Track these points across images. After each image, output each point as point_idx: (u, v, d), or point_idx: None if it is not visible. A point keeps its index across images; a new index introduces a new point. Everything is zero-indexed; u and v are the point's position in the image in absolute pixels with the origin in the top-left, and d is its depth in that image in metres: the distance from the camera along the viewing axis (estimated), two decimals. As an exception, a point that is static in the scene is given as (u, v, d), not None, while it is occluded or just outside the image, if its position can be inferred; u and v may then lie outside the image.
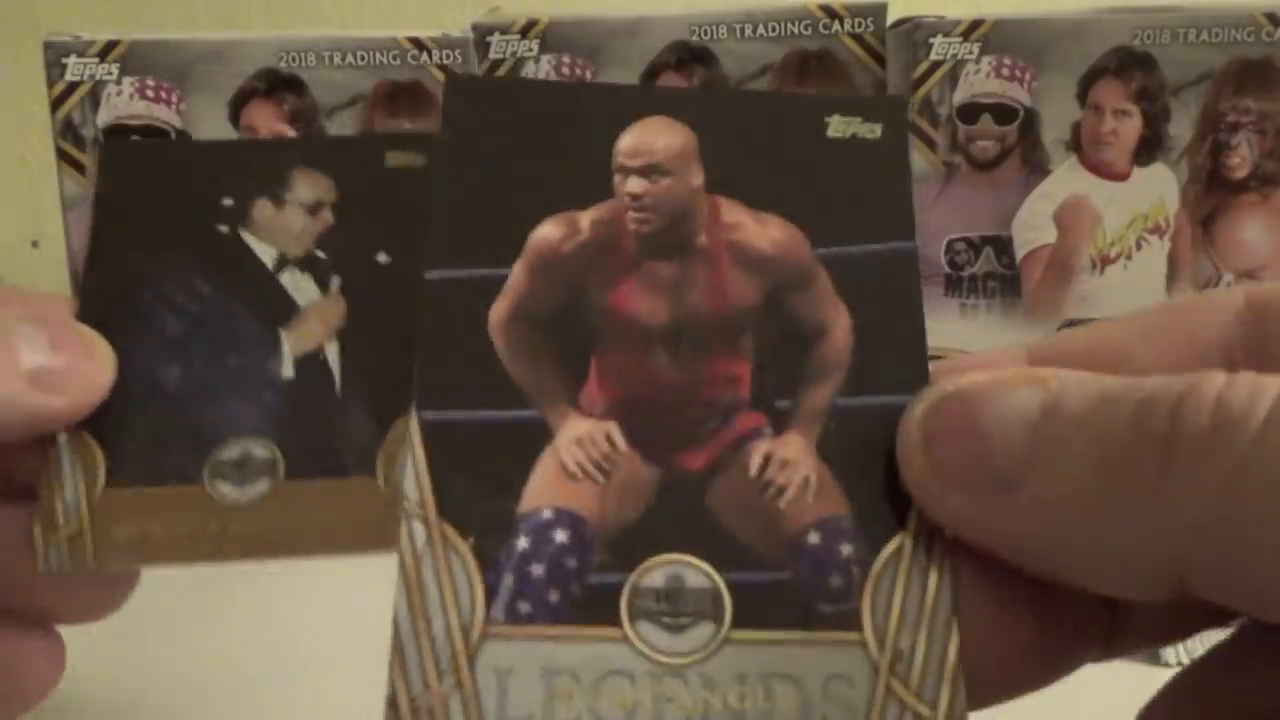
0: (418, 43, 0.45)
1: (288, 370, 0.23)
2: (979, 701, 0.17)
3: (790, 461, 0.19)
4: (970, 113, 0.45)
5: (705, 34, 0.46)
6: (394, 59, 0.45)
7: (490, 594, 0.18)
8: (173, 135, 0.45)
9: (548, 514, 0.18)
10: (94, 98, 0.45)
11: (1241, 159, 0.46)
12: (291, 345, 0.23)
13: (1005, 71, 0.45)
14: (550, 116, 0.21)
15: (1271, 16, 0.45)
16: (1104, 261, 0.46)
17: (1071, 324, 0.46)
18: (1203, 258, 0.46)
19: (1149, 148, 0.46)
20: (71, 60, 0.44)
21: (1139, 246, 0.46)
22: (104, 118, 0.45)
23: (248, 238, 0.24)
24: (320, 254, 0.24)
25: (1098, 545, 0.15)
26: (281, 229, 0.24)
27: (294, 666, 0.32)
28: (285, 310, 0.23)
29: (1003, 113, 0.45)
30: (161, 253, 0.24)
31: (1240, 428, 0.14)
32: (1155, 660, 0.34)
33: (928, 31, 0.45)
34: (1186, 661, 0.19)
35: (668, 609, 0.18)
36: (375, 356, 0.23)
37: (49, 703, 0.24)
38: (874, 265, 0.20)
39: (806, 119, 0.21)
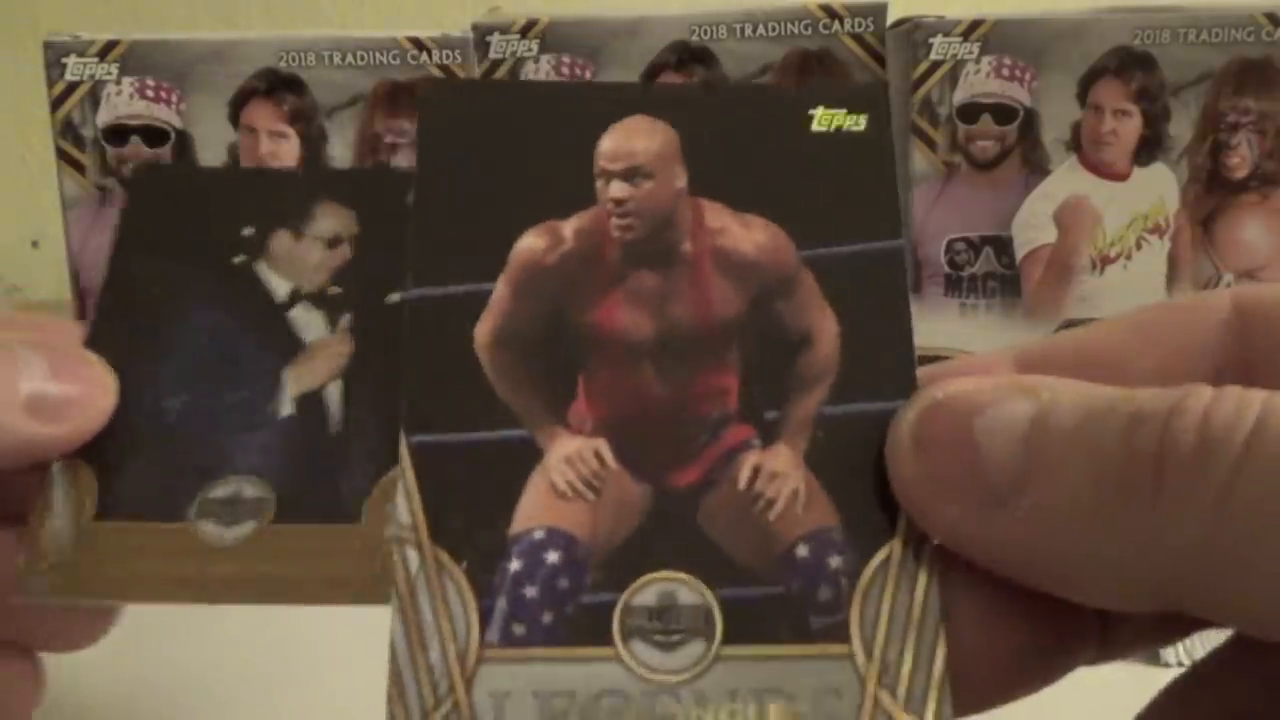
0: (418, 43, 0.45)
1: (287, 409, 0.22)
2: (969, 708, 0.17)
3: (779, 474, 0.19)
4: (970, 113, 0.45)
5: (705, 34, 0.46)
6: (394, 59, 0.45)
7: (485, 618, 0.18)
8: (173, 135, 0.45)
9: (539, 535, 0.18)
10: (94, 98, 0.45)
11: (1241, 159, 0.46)
12: (293, 383, 0.22)
13: (1005, 71, 0.45)
14: (528, 120, 0.21)
15: (1271, 16, 0.45)
16: (1104, 261, 0.46)
17: (1071, 324, 0.46)
18: (1203, 258, 0.46)
19: (1149, 148, 0.46)
20: (71, 60, 0.44)
21: (1139, 246, 0.46)
22: (104, 117, 0.45)
23: (263, 270, 0.23)
24: (334, 290, 0.23)
25: (1089, 561, 0.15)
26: (298, 261, 0.23)
27: (294, 668, 0.32)
28: (290, 347, 0.23)
29: (1003, 113, 0.45)
30: (175, 281, 0.23)
31: (1226, 446, 0.14)
32: (1155, 660, 0.34)
33: (928, 31, 0.45)
34: (1187, 662, 0.19)
35: (660, 627, 0.18)
36: (376, 400, 0.22)
37: (49, 703, 0.24)
38: (860, 266, 0.20)
39: (790, 113, 0.21)
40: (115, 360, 0.22)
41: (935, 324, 0.46)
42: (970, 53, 0.45)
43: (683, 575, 0.18)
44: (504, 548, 0.18)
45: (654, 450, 0.19)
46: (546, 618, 0.18)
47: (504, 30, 0.46)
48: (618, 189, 0.20)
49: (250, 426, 0.22)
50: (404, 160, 0.45)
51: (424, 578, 0.18)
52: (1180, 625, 0.18)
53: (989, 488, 0.16)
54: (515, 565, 0.18)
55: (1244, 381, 0.15)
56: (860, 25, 0.46)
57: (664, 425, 0.19)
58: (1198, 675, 0.19)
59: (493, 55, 0.46)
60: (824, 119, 0.21)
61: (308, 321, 0.23)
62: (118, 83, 0.45)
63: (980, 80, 0.45)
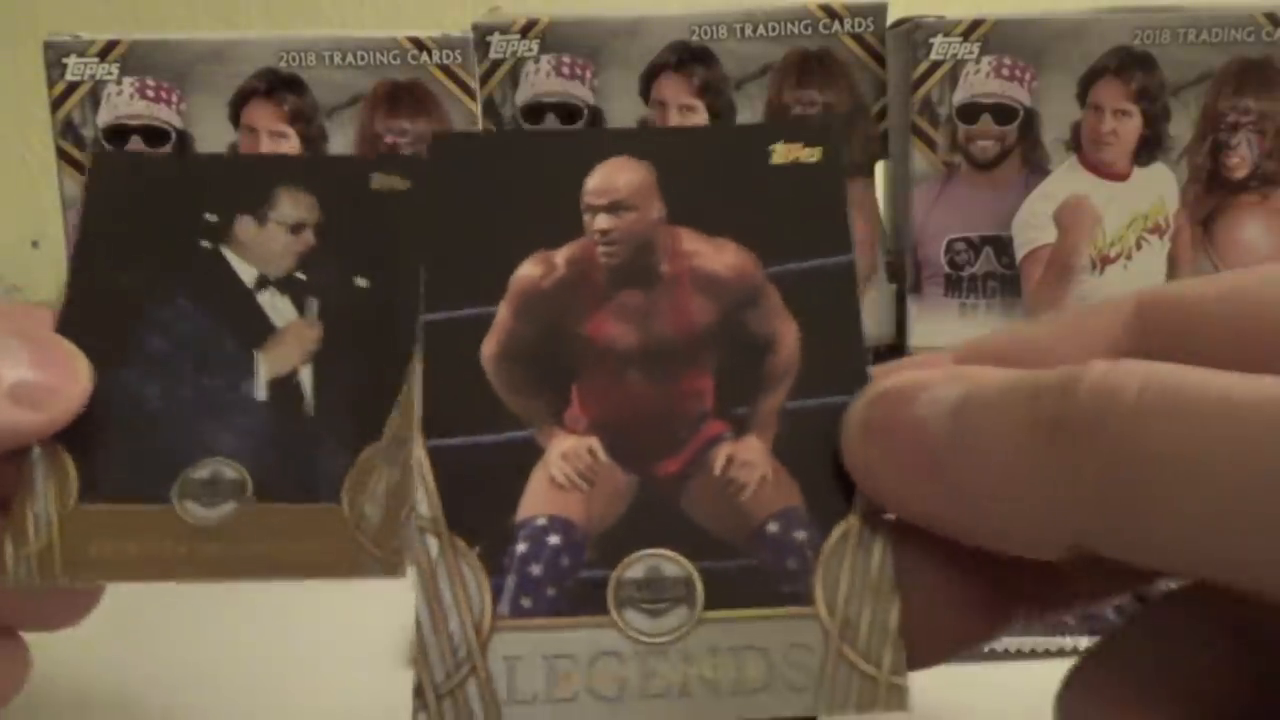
0: (418, 43, 0.45)
1: (261, 392, 0.23)
2: (926, 660, 0.20)
3: (749, 462, 0.21)
4: (970, 113, 0.45)
5: (705, 34, 0.46)
6: (394, 59, 0.45)
7: (496, 593, 0.20)
8: (173, 135, 0.45)
9: (542, 521, 0.21)
10: (94, 98, 0.45)
11: (1241, 159, 0.46)
12: (266, 367, 0.23)
13: (1005, 71, 0.45)
14: (523, 164, 0.24)
15: (1271, 16, 0.45)
16: (1104, 261, 0.46)
17: (1071, 324, 0.46)
18: (1202, 258, 0.46)
19: (1149, 148, 0.46)
20: (71, 60, 0.44)
21: (1139, 246, 0.46)
22: (104, 118, 0.45)
23: (229, 255, 0.24)
24: (300, 275, 0.24)
25: (1011, 514, 0.17)
26: (263, 248, 0.24)
27: (293, 668, 0.32)
28: (262, 331, 0.23)
29: (1003, 113, 0.45)
30: (144, 267, 0.24)
31: (1115, 404, 0.16)
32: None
33: (928, 31, 0.45)
34: None
35: (648, 596, 0.20)
36: (348, 382, 0.23)
37: (47, 703, 0.24)
38: (817, 279, 0.23)
39: (753, 148, 0.24)
40: (87, 346, 0.22)
41: (935, 324, 0.46)
42: (970, 53, 0.45)
43: (667, 551, 0.21)
44: (511, 533, 0.21)
45: (640, 445, 0.22)
46: (550, 591, 0.20)
47: (504, 30, 0.46)
48: (603, 221, 0.23)
49: (226, 410, 0.23)
50: (404, 160, 0.46)
51: (443, 561, 0.20)
52: (1113, 579, 0.20)
53: (925, 459, 0.18)
54: (522, 547, 0.21)
55: None
56: (860, 25, 0.46)
57: (649, 423, 0.22)
58: (1126, 635, 0.20)
59: (493, 55, 0.46)
60: (782, 153, 0.24)
61: (276, 306, 0.24)
62: (118, 83, 0.45)
63: (980, 80, 0.45)
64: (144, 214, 0.24)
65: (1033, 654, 0.31)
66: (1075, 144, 0.46)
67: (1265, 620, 0.18)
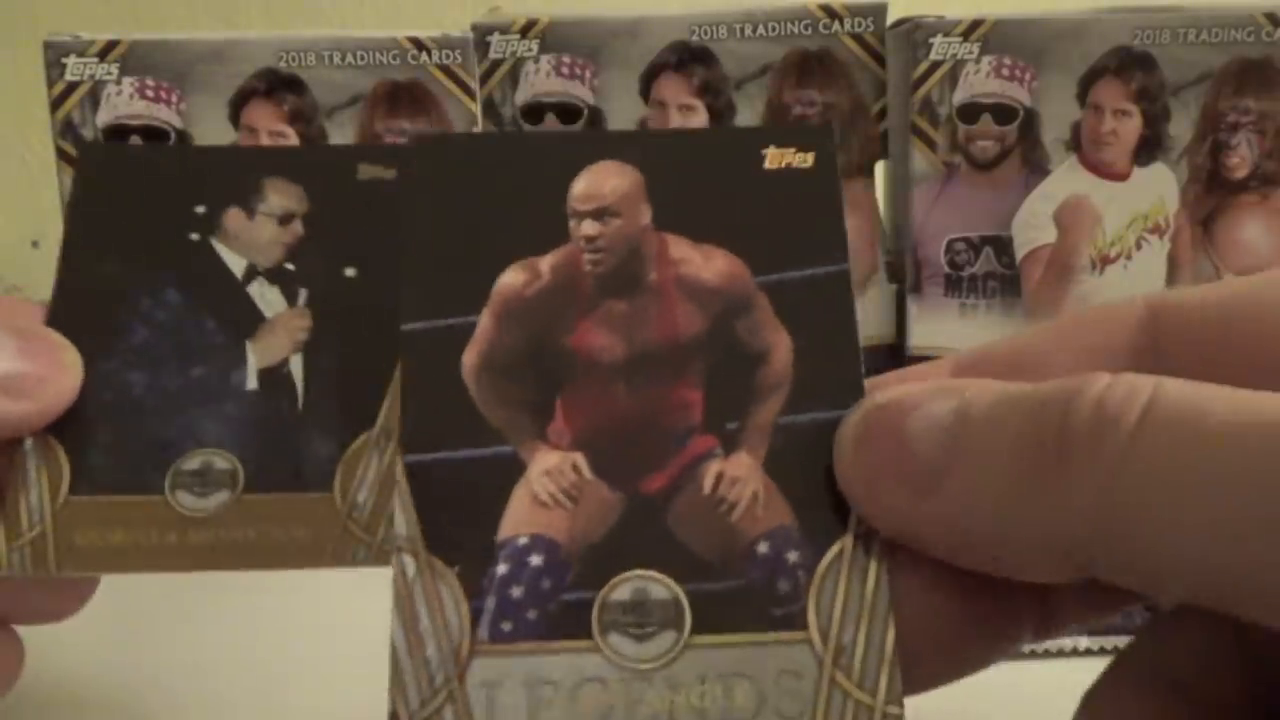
0: (418, 43, 0.45)
1: (251, 382, 0.23)
2: (920, 685, 0.19)
3: (739, 479, 0.20)
4: (970, 113, 0.45)
5: (705, 34, 0.46)
6: (394, 59, 0.45)
7: (476, 616, 0.19)
8: (173, 135, 0.45)
9: (524, 540, 0.20)
10: (94, 98, 0.45)
11: (1241, 159, 0.46)
12: (256, 357, 0.23)
13: (1005, 71, 0.45)
14: (507, 167, 0.23)
15: (1271, 16, 0.45)
16: (1104, 261, 0.46)
17: (1071, 324, 0.46)
18: (1202, 258, 0.46)
19: (1149, 148, 0.46)
20: (71, 60, 0.44)
21: (1139, 246, 0.46)
22: (104, 118, 0.45)
23: (218, 246, 0.24)
24: (289, 266, 0.24)
25: (1008, 536, 0.17)
26: (252, 239, 0.24)
27: (292, 669, 0.32)
28: (252, 321, 0.23)
29: (1003, 113, 0.45)
30: (133, 258, 0.24)
31: (1117, 425, 0.15)
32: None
33: (928, 31, 0.45)
34: None
35: (634, 620, 0.19)
36: (338, 372, 0.23)
37: (48, 704, 0.24)
38: (810, 288, 0.22)
39: (744, 153, 0.23)
40: (76, 338, 0.23)
41: (935, 324, 0.46)
42: (970, 53, 0.45)
43: (654, 573, 0.20)
44: (492, 553, 0.20)
45: (626, 461, 0.21)
46: (531, 615, 0.19)
47: (504, 30, 0.46)
48: (589, 227, 0.22)
49: (216, 400, 0.23)
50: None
51: (420, 582, 0.20)
52: (1110, 599, 0.20)
53: (919, 477, 0.18)
54: (502, 568, 0.20)
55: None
56: (860, 25, 0.46)
57: (635, 438, 0.21)
58: (1133, 651, 0.20)
59: (493, 55, 0.46)
60: (774, 158, 0.23)
61: (266, 297, 0.24)
62: (118, 83, 0.45)
63: (980, 80, 0.45)
64: (133, 206, 0.24)
65: (1032, 654, 0.31)
66: (1075, 144, 0.46)
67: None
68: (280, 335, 0.23)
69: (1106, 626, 0.31)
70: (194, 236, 0.24)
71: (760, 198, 0.23)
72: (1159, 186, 0.46)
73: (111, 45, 0.44)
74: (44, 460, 0.22)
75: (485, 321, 0.22)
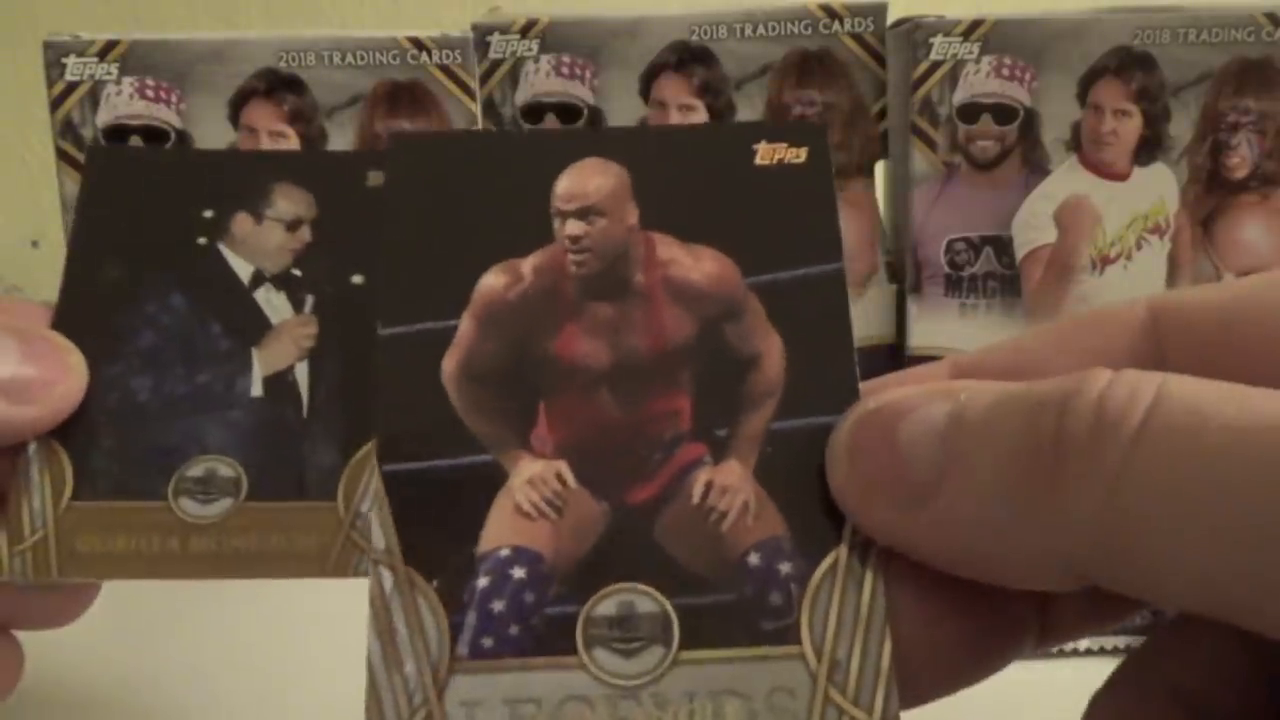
0: (418, 43, 0.45)
1: (256, 389, 0.23)
2: (916, 699, 0.18)
3: (729, 488, 0.20)
4: (970, 113, 0.45)
5: (705, 34, 0.46)
6: (394, 59, 0.45)
7: (455, 632, 0.19)
8: (173, 135, 0.45)
9: (505, 553, 0.19)
10: (93, 98, 0.45)
11: (1241, 159, 0.46)
12: (262, 364, 0.23)
13: (1005, 71, 0.45)
14: (488, 166, 0.22)
15: (1271, 16, 0.45)
16: (1104, 261, 0.46)
17: (1071, 324, 0.46)
18: (1203, 258, 0.46)
19: (1149, 148, 0.46)
20: (71, 60, 0.44)
21: (1139, 246, 0.46)
22: (104, 117, 0.45)
23: (225, 252, 0.24)
24: (296, 272, 0.24)
25: (1004, 543, 0.16)
26: (259, 244, 0.24)
27: (291, 671, 0.32)
28: (258, 327, 0.23)
29: (1003, 113, 0.45)
30: (139, 262, 0.24)
31: (1118, 430, 0.14)
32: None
33: (928, 31, 0.45)
34: None
35: (620, 635, 0.19)
36: (343, 379, 0.23)
37: (48, 705, 0.24)
38: (803, 289, 0.21)
39: (734, 149, 0.22)
40: (82, 342, 0.22)
41: (935, 324, 0.46)
42: (970, 53, 0.45)
43: (641, 586, 0.19)
44: (472, 566, 0.19)
45: (612, 470, 0.20)
46: (513, 630, 0.19)
47: (504, 30, 0.46)
48: (573, 227, 0.22)
49: (221, 406, 0.22)
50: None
51: (398, 596, 0.19)
52: (1113, 608, 0.19)
53: (913, 485, 0.17)
54: (483, 582, 0.19)
55: None
56: (860, 25, 0.46)
57: (621, 446, 0.20)
58: (1139, 659, 0.19)
59: (493, 55, 0.46)
60: (766, 153, 0.22)
61: (272, 303, 0.24)
62: (118, 83, 0.45)
63: (980, 80, 0.45)
64: (140, 209, 0.24)
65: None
66: (1075, 144, 0.46)
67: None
68: (286, 342, 0.23)
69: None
70: (201, 241, 0.24)
71: (751, 195, 0.22)
72: (1159, 187, 0.46)
73: (111, 45, 0.44)
74: (47, 465, 0.21)
75: (466, 326, 0.21)
